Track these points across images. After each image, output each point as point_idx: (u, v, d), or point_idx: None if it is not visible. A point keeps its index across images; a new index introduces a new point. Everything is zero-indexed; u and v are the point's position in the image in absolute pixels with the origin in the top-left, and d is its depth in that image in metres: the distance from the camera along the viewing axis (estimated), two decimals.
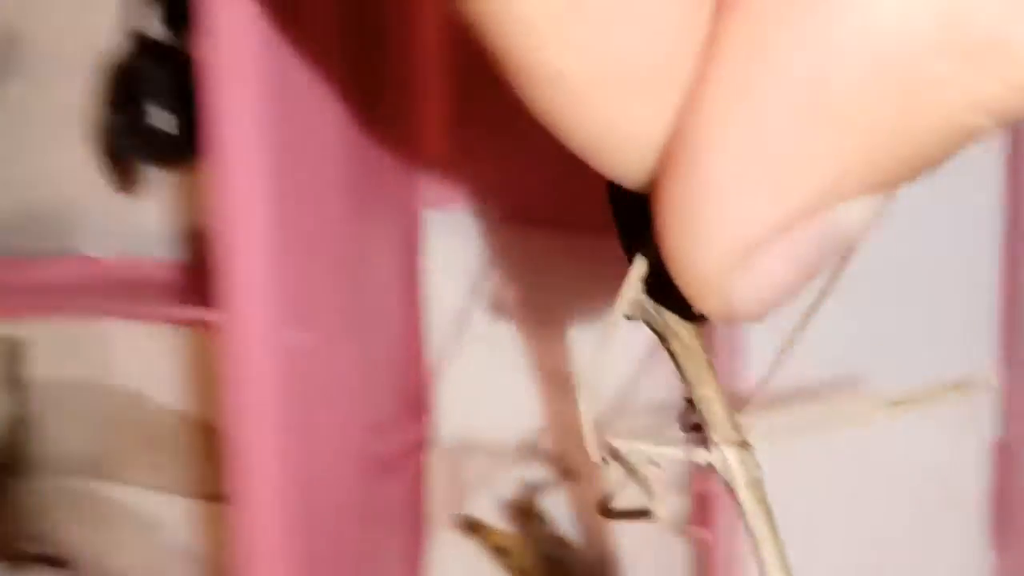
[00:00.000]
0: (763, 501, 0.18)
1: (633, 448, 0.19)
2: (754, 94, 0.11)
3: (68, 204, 0.43)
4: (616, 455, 0.18)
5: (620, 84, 0.12)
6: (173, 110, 0.39)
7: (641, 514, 0.18)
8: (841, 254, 0.13)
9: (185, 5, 0.34)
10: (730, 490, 0.18)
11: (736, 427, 0.18)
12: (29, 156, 0.43)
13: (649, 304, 0.18)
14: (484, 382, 0.41)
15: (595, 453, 0.18)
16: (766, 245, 0.12)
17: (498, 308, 0.43)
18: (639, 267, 0.16)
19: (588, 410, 0.18)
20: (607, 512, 0.20)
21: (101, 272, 0.42)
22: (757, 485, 0.18)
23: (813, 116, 0.11)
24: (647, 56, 0.12)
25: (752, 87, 0.11)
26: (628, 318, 0.18)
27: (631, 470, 0.19)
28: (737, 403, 0.19)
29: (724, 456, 0.18)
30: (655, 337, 0.18)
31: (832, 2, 0.10)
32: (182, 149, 0.39)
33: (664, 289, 0.16)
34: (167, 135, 0.39)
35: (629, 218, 0.18)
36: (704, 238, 0.12)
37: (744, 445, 0.18)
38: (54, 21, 0.42)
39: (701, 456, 0.18)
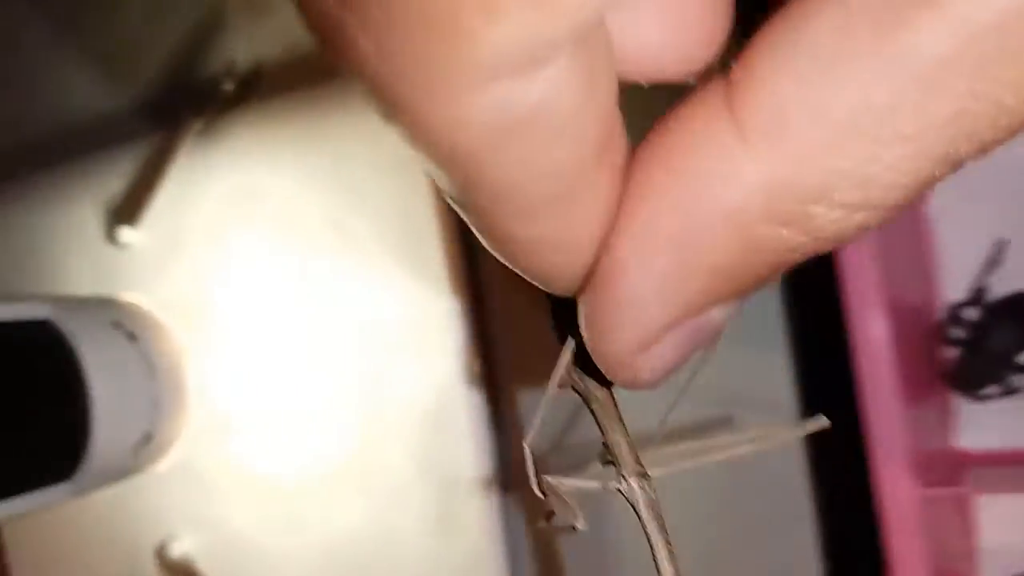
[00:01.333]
0: (659, 517, 0.23)
1: (562, 482, 0.25)
2: (644, 239, 0.17)
3: None
4: (551, 488, 0.24)
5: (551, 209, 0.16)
6: None
7: (571, 528, 0.24)
8: (712, 339, 0.19)
9: None
10: (635, 510, 0.23)
11: (638, 463, 0.24)
12: None
13: (576, 374, 0.24)
14: None
15: (535, 487, 0.24)
16: (659, 339, 0.18)
17: None
18: (568, 349, 0.22)
19: (529, 455, 0.24)
20: (543, 522, 0.26)
21: None
22: (654, 505, 0.24)
23: (690, 261, 0.17)
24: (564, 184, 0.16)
25: (641, 234, 0.17)
26: (560, 386, 0.24)
27: (560, 498, 0.25)
28: (640, 443, 0.25)
29: (630, 485, 0.24)
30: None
31: (700, 183, 0.16)
32: None
33: (586, 364, 0.22)
34: None
35: (561, 311, 0.24)
36: (615, 335, 0.18)
37: (644, 476, 0.24)
38: None
39: (613, 486, 0.24)
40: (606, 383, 0.24)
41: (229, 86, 0.48)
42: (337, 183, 0.45)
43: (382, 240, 0.44)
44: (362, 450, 0.46)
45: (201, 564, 0.50)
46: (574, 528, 0.24)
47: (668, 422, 0.27)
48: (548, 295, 0.24)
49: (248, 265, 0.48)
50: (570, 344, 0.23)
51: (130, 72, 0.53)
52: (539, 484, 0.24)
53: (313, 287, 0.46)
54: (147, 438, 0.41)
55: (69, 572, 0.52)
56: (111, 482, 0.41)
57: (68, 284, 0.53)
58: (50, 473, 0.36)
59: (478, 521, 0.42)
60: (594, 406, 0.24)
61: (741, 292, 0.18)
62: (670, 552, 0.23)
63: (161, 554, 0.50)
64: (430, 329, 0.43)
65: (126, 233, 0.51)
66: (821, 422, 0.24)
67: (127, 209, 0.51)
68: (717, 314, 0.18)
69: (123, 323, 0.42)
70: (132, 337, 0.41)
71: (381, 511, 0.45)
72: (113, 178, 0.52)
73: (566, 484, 0.25)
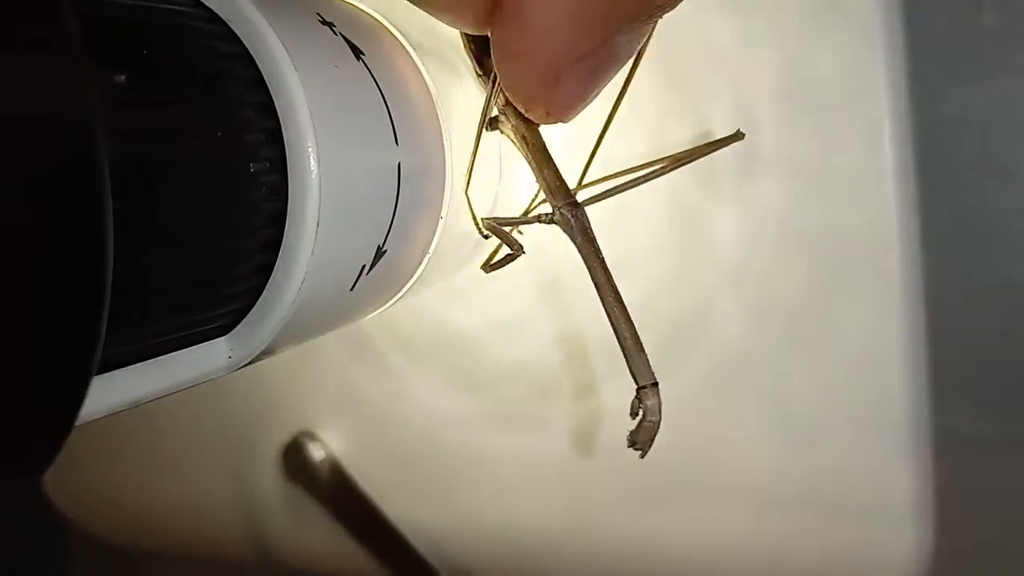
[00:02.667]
0: (592, 242, 0.26)
1: (502, 219, 0.27)
2: None
3: None
4: (492, 227, 0.26)
5: None
6: None
7: (509, 257, 0.27)
8: (616, 70, 0.21)
9: None
10: (570, 237, 0.26)
11: (568, 193, 0.26)
12: None
13: (503, 115, 0.25)
14: None
15: (480, 227, 0.26)
16: (568, 70, 0.20)
17: None
18: (491, 88, 0.24)
19: (469, 200, 0.26)
20: (487, 267, 0.28)
21: None
22: (586, 231, 0.26)
23: None
24: None
25: None
26: (488, 128, 0.25)
27: (502, 234, 0.27)
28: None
29: (563, 214, 0.26)
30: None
31: None
32: None
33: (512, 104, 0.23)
34: None
35: (480, 52, 0.25)
36: (526, 69, 0.20)
37: (575, 205, 0.26)
38: None
39: (547, 217, 0.26)
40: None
41: None
42: None
43: None
44: None
45: None
46: (515, 256, 0.27)
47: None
48: (470, 38, 0.25)
49: None
50: (492, 85, 0.24)
51: None
52: (481, 224, 0.27)
53: None
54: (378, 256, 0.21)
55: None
56: (312, 334, 0.22)
57: None
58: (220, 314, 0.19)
59: None
60: (522, 144, 0.26)
61: (629, 19, 0.19)
62: (605, 271, 0.25)
63: None
64: None
65: None
66: (737, 135, 0.25)
67: None
68: (621, 42, 0.20)
69: (334, 18, 0.20)
70: (356, 50, 0.20)
71: None
72: None
73: (506, 220, 0.27)
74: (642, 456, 0.23)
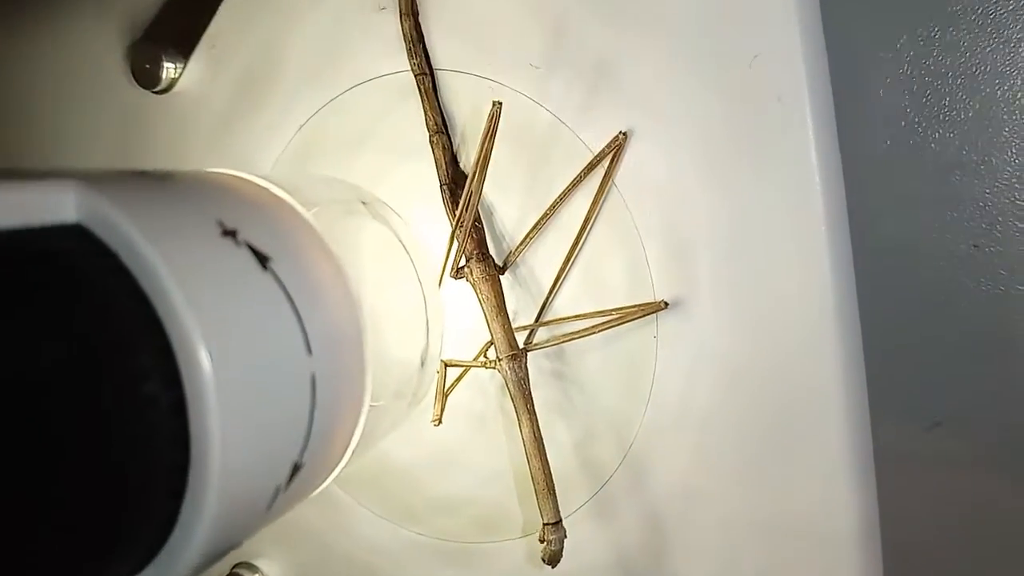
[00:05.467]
0: (525, 393, 0.27)
1: (456, 362, 0.30)
2: None
3: None
4: (440, 375, 0.28)
5: None
6: None
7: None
8: None
9: None
10: (506, 384, 0.26)
11: (511, 346, 0.26)
12: None
13: (468, 267, 0.28)
14: None
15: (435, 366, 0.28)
16: None
17: None
18: (463, 238, 0.27)
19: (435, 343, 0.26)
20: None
21: None
22: (520, 383, 0.26)
23: None
24: None
25: None
26: (453, 277, 0.28)
27: (439, 397, 0.28)
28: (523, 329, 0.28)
29: (502, 365, 0.26)
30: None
31: None
32: None
33: (481, 251, 0.26)
34: None
35: (455, 203, 0.27)
36: None
37: (515, 358, 0.26)
38: None
39: (491, 364, 0.27)
40: (493, 272, 0.28)
41: None
42: None
43: None
44: None
45: None
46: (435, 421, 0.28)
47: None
48: (448, 190, 0.27)
49: None
50: (466, 232, 0.27)
51: None
52: (442, 365, 0.30)
53: None
54: (294, 472, 0.19)
55: None
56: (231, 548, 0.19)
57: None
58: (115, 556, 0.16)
59: None
60: (480, 296, 0.28)
61: None
62: (531, 419, 0.28)
63: None
64: None
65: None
66: (660, 304, 0.26)
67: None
68: None
69: (238, 223, 0.19)
70: (262, 258, 0.19)
71: None
72: None
73: (461, 363, 0.28)
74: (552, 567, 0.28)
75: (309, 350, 0.19)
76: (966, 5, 0.32)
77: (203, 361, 0.16)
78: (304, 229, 0.21)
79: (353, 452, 0.23)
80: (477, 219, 0.28)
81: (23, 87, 0.37)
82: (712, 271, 0.27)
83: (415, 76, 0.29)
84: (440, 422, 0.29)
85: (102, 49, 0.34)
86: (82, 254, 0.16)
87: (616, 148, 0.26)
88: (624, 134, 0.26)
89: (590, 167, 0.27)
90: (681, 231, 0.27)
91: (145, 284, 0.16)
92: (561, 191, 0.27)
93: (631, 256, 0.27)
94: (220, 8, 0.32)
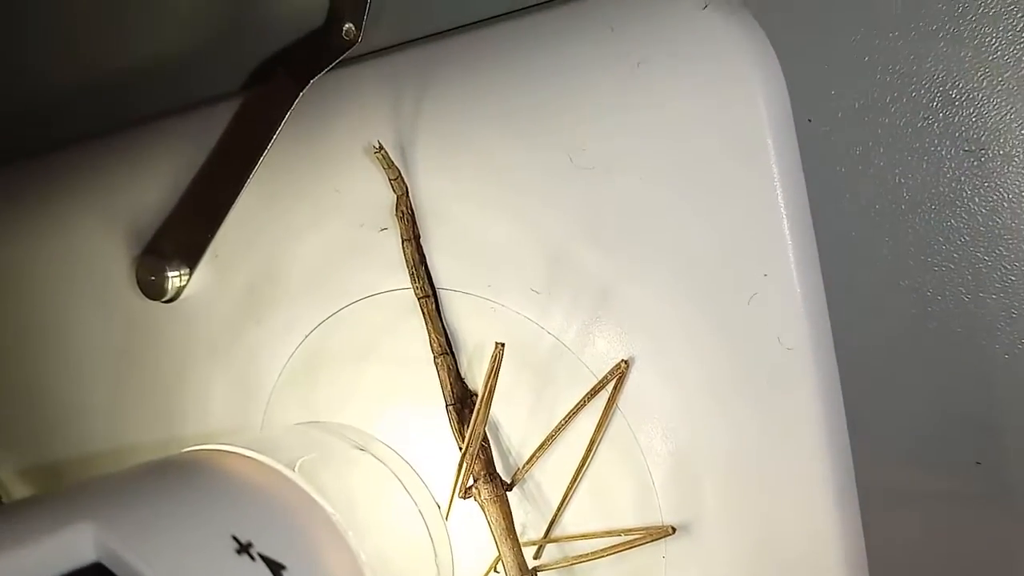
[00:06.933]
0: None
1: None
2: None
3: None
4: None
5: None
6: None
7: None
8: None
9: None
10: None
11: (522, 567, 0.27)
12: None
13: (476, 488, 0.28)
14: None
15: None
16: None
17: None
18: (470, 461, 0.28)
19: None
20: None
21: None
22: None
23: None
24: None
25: None
26: (463, 496, 0.29)
27: None
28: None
29: None
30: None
31: None
32: None
33: (489, 472, 0.28)
34: None
35: (462, 424, 0.27)
36: None
37: None
38: None
39: None
40: (501, 492, 0.29)
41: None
42: None
43: None
44: None
45: None
46: None
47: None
48: (455, 411, 0.27)
49: None
50: (470, 457, 0.28)
51: None
52: None
53: None
54: None
55: None
56: None
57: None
58: None
59: None
60: (489, 518, 0.28)
61: None
62: None
63: None
64: None
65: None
66: (667, 530, 0.26)
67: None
68: None
69: (252, 534, 0.18)
70: (276, 567, 0.18)
71: None
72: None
73: None
74: None
75: None
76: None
77: None
78: (317, 521, 0.21)
79: None
80: (484, 439, 0.28)
81: (30, 297, 0.37)
82: (717, 496, 0.27)
83: (418, 299, 0.29)
84: None
85: (108, 262, 0.35)
86: None
87: (619, 375, 0.27)
88: (626, 362, 0.27)
89: (593, 392, 0.27)
90: (685, 456, 0.27)
91: None
92: (565, 414, 0.28)
93: (637, 477, 0.28)
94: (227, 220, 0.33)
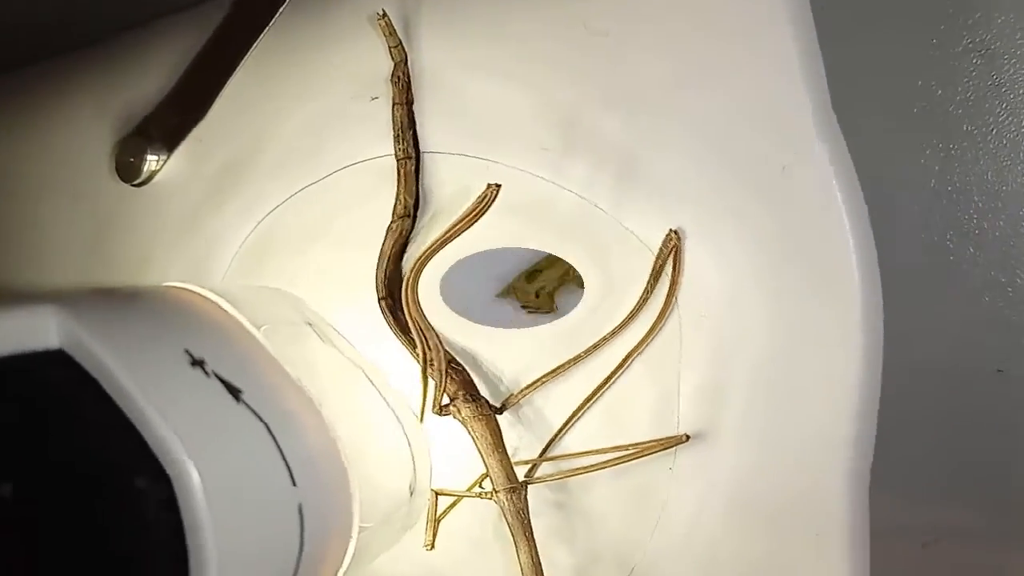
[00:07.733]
0: (524, 524, 0.25)
1: (448, 491, 0.27)
2: None
3: None
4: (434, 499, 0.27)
5: None
6: None
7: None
8: None
9: None
10: (504, 517, 0.25)
11: (510, 477, 0.24)
12: None
13: (458, 403, 0.26)
14: None
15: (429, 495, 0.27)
16: None
17: None
18: (443, 380, 0.26)
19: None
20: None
21: None
22: (519, 514, 0.25)
23: None
24: None
25: None
26: (441, 414, 0.26)
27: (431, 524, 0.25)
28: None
29: (499, 497, 0.24)
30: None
31: None
32: None
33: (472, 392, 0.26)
34: None
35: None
36: None
37: (514, 489, 0.24)
38: None
39: (487, 495, 0.24)
40: (487, 412, 0.26)
41: None
42: None
43: None
44: None
45: None
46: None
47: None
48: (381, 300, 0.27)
49: None
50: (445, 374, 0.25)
51: None
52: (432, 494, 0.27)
53: None
54: None
55: None
56: None
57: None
58: None
59: None
60: (473, 434, 0.26)
61: None
62: (529, 546, 0.25)
63: None
64: None
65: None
66: (681, 437, 0.24)
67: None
68: None
69: (204, 352, 0.17)
70: (234, 390, 0.17)
71: None
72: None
73: (454, 492, 0.27)
74: None
75: (294, 482, 0.18)
76: (980, 126, 0.31)
77: (196, 488, 0.15)
78: (267, 360, 0.19)
79: (344, 574, 0.21)
80: (454, 362, 0.26)
81: (8, 171, 0.36)
82: (740, 405, 0.24)
83: (398, 160, 0.27)
84: (432, 547, 0.27)
85: (91, 142, 0.33)
86: (67, 381, 0.16)
87: (673, 248, 0.23)
88: (676, 232, 0.23)
89: (656, 274, 0.23)
90: (724, 357, 0.24)
91: (130, 415, 0.15)
92: (626, 315, 0.24)
93: (661, 385, 0.25)
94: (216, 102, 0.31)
